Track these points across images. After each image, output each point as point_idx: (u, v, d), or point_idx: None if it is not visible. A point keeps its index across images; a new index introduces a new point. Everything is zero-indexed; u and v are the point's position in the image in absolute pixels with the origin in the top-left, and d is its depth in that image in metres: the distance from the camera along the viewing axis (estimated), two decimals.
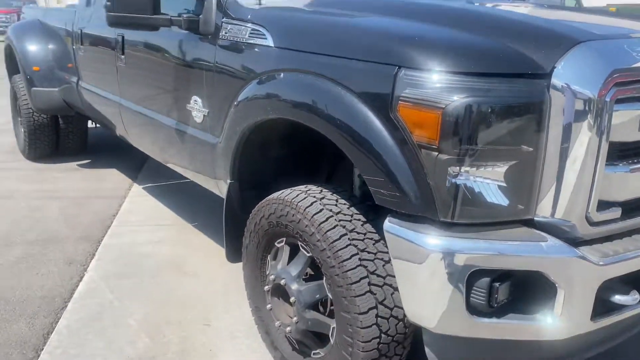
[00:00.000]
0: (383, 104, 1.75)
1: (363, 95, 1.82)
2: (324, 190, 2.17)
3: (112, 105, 3.95)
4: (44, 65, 5.03)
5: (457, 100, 1.60)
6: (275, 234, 2.27)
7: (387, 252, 1.88)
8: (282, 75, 2.21)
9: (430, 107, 1.64)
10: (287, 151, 2.59)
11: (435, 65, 1.66)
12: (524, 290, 1.73)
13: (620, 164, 1.73)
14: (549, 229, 1.71)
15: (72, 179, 5.06)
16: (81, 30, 4.39)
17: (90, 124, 5.57)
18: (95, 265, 3.39)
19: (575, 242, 1.72)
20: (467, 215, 1.69)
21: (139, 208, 4.38)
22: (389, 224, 1.80)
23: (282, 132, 2.43)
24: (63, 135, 5.46)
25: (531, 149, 1.64)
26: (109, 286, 3.14)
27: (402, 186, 1.72)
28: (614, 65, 1.61)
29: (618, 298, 1.75)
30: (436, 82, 1.64)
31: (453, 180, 1.65)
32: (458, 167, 1.64)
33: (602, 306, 1.76)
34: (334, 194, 2.14)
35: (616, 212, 1.76)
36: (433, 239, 1.69)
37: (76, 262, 3.42)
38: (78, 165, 5.46)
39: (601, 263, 1.67)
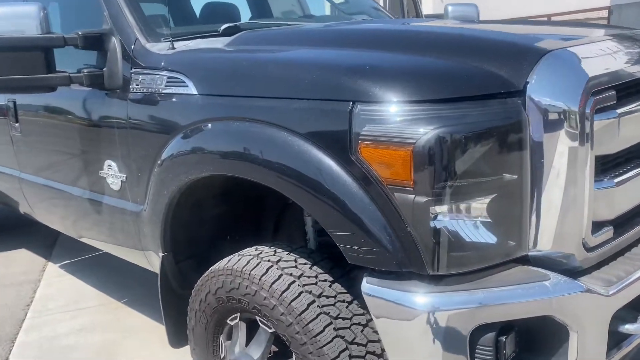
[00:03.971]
0: (340, 146, 1.51)
1: (314, 139, 1.57)
2: (278, 250, 1.89)
3: (11, 180, 3.52)
4: None
5: (428, 133, 1.38)
6: (226, 310, 1.94)
7: (363, 314, 1.66)
8: (210, 125, 1.92)
9: (398, 144, 1.41)
10: (225, 210, 2.29)
11: (396, 95, 1.44)
12: (529, 338, 1.51)
13: (605, 179, 1.58)
14: (545, 263, 1.52)
15: None
16: None
17: None
18: None
19: (574, 273, 1.53)
20: (457, 263, 1.45)
21: (57, 291, 3.86)
22: (367, 285, 1.53)
23: (217, 190, 2.15)
24: None
25: (515, 176, 1.45)
26: None
27: (379, 239, 1.46)
28: (588, 73, 1.46)
29: (627, 327, 1.58)
30: (400, 115, 1.42)
31: (437, 225, 1.41)
32: (441, 208, 1.41)
33: (613, 339, 1.57)
34: (291, 254, 1.86)
35: (609, 232, 1.60)
36: (423, 298, 1.44)
37: None
38: None
39: (610, 292, 1.48)
